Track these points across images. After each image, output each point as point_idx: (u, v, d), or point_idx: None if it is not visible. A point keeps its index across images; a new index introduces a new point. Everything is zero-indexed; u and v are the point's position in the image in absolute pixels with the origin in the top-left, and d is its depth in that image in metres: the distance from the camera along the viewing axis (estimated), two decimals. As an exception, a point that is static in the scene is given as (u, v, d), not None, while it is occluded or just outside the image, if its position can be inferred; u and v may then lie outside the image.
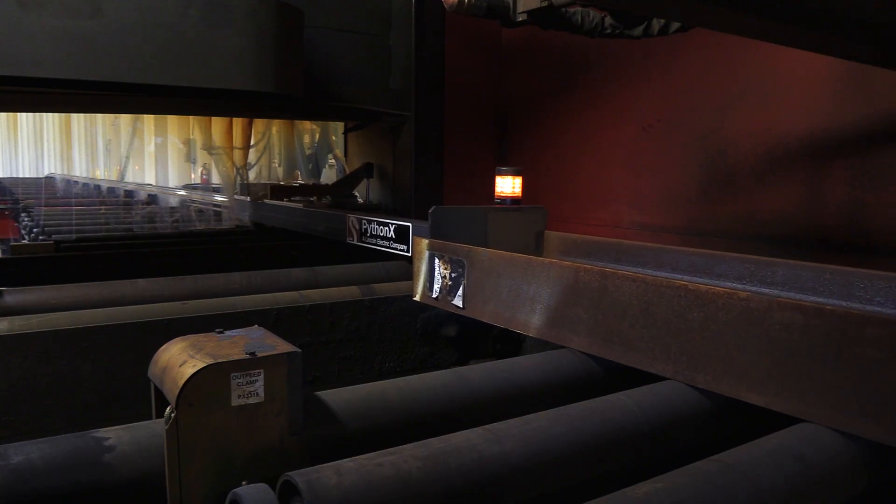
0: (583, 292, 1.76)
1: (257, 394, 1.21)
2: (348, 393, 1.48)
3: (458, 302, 2.18)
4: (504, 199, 2.78)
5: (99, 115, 8.55)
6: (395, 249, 2.85)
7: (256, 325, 1.44)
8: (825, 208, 3.09)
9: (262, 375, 1.21)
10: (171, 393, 1.16)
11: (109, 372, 1.86)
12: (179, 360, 1.21)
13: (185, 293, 2.36)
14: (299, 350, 1.27)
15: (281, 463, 1.22)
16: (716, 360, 1.46)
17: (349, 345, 2.29)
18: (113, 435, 1.23)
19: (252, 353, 1.22)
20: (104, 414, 1.85)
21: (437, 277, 2.25)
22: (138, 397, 1.86)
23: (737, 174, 3.46)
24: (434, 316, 2.42)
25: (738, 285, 2.15)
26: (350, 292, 2.35)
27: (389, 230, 2.87)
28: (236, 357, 1.20)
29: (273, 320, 2.14)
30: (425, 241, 2.34)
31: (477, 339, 2.45)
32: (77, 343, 1.82)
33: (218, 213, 5.13)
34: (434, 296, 2.27)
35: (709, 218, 3.61)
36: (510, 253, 2.03)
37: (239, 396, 1.19)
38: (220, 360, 1.18)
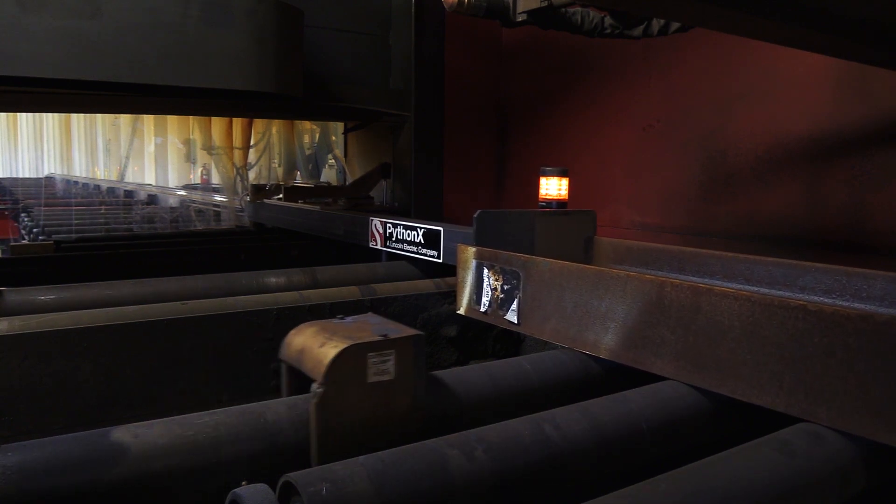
0: (669, 310, 1.58)
1: (389, 372, 1.35)
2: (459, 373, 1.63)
3: (511, 317, 1.98)
4: (549, 202, 2.52)
5: (99, 115, 8.57)
6: (425, 255, 2.66)
7: (371, 312, 1.61)
8: (825, 208, 3.10)
9: (393, 355, 1.35)
10: (316, 371, 1.29)
11: (109, 372, 1.85)
12: (317, 342, 1.34)
13: (185, 293, 2.36)
14: (423, 333, 1.42)
15: (405, 436, 1.34)
16: (843, 395, 1.26)
17: (349, 345, 2.29)
18: (119, 434, 1.23)
19: (385, 335, 1.35)
20: (104, 414, 1.84)
21: (487, 290, 2.04)
22: (138, 397, 1.86)
23: (737, 174, 3.46)
24: (434, 316, 2.41)
25: (827, 300, 1.90)
26: (350, 292, 2.35)
27: (418, 235, 2.69)
28: (370, 339, 1.34)
29: (273, 320, 2.13)
30: (472, 249, 2.12)
31: (477, 339, 2.45)
32: (77, 343, 1.82)
33: (218, 214, 5.14)
34: (482, 310, 2.08)
35: (709, 218, 3.61)
36: (577, 264, 1.81)
37: (374, 374, 1.33)
38: (357, 342, 1.32)
